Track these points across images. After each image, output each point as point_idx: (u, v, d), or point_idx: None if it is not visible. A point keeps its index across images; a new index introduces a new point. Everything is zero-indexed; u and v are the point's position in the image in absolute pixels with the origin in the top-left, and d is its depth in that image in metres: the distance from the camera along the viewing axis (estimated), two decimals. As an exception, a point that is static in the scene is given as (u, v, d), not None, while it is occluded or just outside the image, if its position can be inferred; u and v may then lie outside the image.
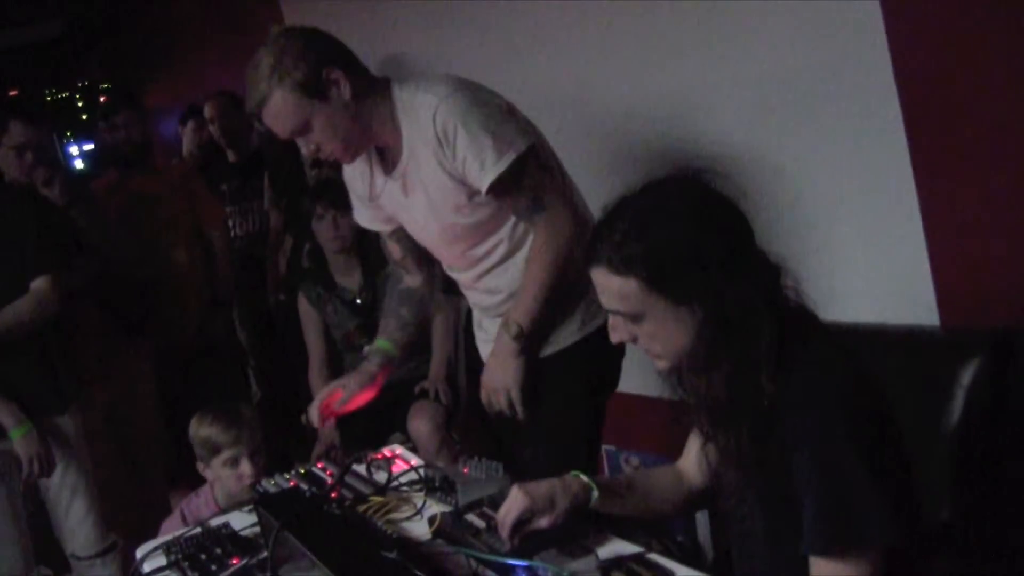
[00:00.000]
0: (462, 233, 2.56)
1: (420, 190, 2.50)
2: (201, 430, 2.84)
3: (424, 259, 2.81)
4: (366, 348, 2.88)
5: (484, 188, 2.39)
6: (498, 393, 2.59)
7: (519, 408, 2.58)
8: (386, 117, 2.45)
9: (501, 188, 2.39)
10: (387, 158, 2.54)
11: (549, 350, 2.61)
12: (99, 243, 4.05)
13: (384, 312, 2.93)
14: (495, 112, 2.41)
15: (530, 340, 2.55)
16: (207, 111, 5.40)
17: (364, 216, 2.79)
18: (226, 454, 2.78)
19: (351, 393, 2.79)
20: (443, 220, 2.53)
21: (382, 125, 2.46)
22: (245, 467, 2.77)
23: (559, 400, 2.60)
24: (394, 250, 2.82)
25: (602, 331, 2.48)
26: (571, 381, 2.59)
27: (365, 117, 2.43)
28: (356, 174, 2.67)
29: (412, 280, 2.86)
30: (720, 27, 2.96)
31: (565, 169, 2.64)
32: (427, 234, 2.63)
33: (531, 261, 2.51)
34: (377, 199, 2.65)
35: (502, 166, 2.36)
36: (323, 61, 2.35)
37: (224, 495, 2.80)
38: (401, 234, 2.75)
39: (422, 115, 2.39)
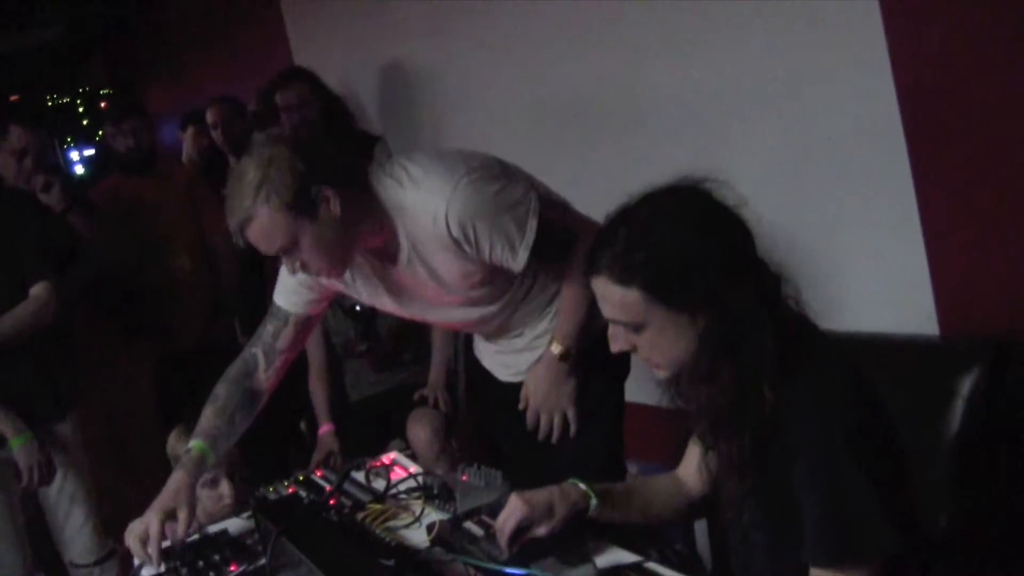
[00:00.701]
0: (480, 300, 2.52)
1: (427, 276, 2.42)
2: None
3: (287, 363, 2.70)
4: (185, 447, 2.53)
5: (520, 268, 2.36)
6: (554, 413, 2.56)
7: (573, 427, 2.57)
8: (376, 220, 2.34)
9: (536, 253, 2.35)
10: (383, 255, 2.43)
11: None
12: (98, 249, 4.05)
13: (214, 403, 2.57)
14: (497, 183, 2.34)
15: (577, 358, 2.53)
16: (209, 116, 5.38)
17: (292, 296, 2.60)
18: (206, 476, 2.72)
19: (184, 523, 2.34)
20: (460, 296, 2.49)
21: (372, 231, 2.34)
22: (225, 488, 2.69)
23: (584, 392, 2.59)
24: (285, 337, 2.63)
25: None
26: (592, 375, 2.59)
27: (355, 229, 2.31)
28: None
29: (264, 380, 2.65)
30: (718, 33, 2.96)
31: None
32: (437, 312, 2.59)
33: (573, 285, 2.46)
34: (348, 286, 2.57)
35: (531, 236, 2.32)
36: (313, 177, 2.20)
37: (203, 512, 2.75)
38: (300, 326, 2.63)
39: (423, 218, 2.29)
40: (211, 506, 2.71)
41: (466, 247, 2.30)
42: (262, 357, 2.62)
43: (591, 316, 2.43)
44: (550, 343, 2.53)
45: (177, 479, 2.39)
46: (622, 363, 2.65)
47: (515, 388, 2.64)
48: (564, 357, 2.51)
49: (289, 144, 2.26)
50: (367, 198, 2.33)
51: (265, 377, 2.63)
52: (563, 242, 2.40)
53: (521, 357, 2.64)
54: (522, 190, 2.36)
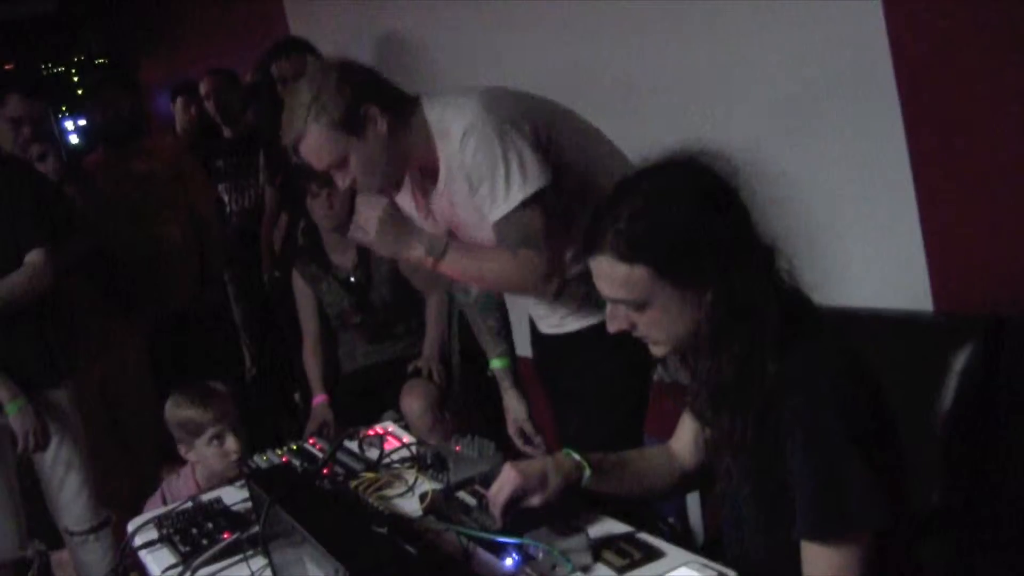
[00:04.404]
0: None
1: (461, 204, 2.47)
2: (180, 412, 2.82)
3: None
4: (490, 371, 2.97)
5: (492, 220, 2.37)
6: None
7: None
8: (422, 141, 2.41)
9: (503, 222, 2.36)
10: (426, 177, 2.50)
11: (589, 321, 2.60)
12: (93, 220, 4.05)
13: (478, 334, 3.00)
14: (520, 141, 2.35)
15: None
16: (202, 88, 5.38)
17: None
18: (210, 432, 2.76)
19: (531, 431, 2.90)
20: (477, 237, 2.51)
21: (418, 149, 2.42)
22: (231, 443, 2.75)
23: (601, 372, 2.59)
24: None
25: None
26: (610, 353, 2.58)
27: (402, 148, 2.39)
28: (403, 194, 2.62)
29: (470, 294, 2.87)
30: (721, 16, 2.95)
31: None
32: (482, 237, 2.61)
33: (492, 261, 2.43)
34: (429, 214, 2.60)
35: (512, 203, 2.33)
36: (360, 97, 2.33)
37: (206, 475, 2.78)
38: None
39: (453, 140, 2.36)
40: (217, 464, 2.74)
41: (472, 178, 2.35)
42: (454, 290, 2.91)
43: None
44: None
45: (507, 400, 2.96)
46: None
47: (553, 338, 2.71)
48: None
49: (339, 67, 2.40)
50: (415, 121, 2.42)
51: (469, 290, 2.90)
52: (523, 237, 2.37)
53: (556, 314, 2.67)
54: (539, 169, 2.35)
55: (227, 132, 5.36)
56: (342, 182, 2.40)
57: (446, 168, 2.43)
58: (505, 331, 2.97)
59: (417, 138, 2.41)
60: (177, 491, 2.79)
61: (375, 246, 2.48)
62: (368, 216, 2.40)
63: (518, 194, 2.33)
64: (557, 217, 2.42)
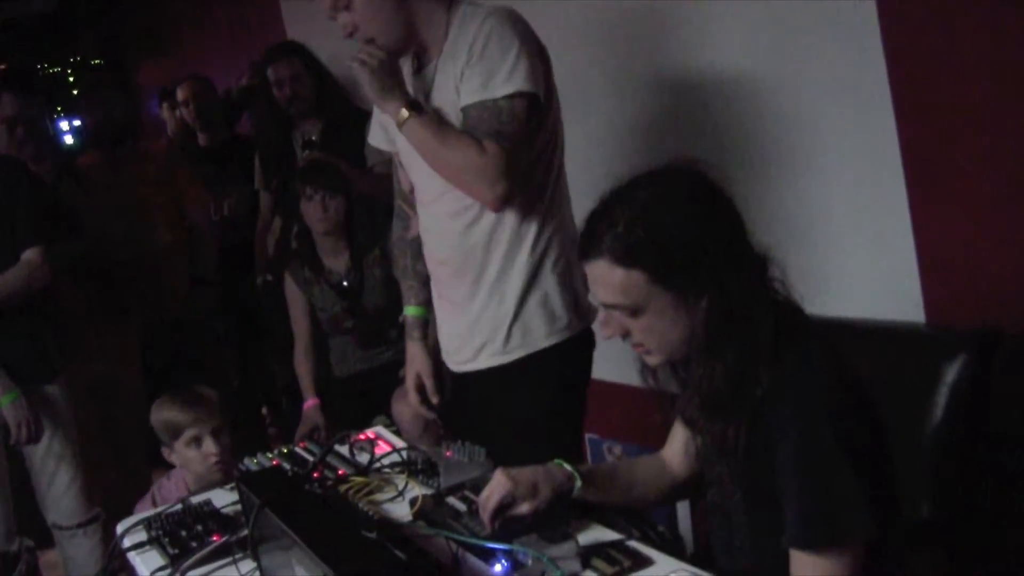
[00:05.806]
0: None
1: (438, 90, 2.46)
2: (161, 414, 2.84)
3: None
4: (402, 316, 2.84)
5: (474, 99, 2.35)
6: None
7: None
8: (434, 23, 2.43)
9: (486, 105, 2.34)
10: (415, 62, 2.52)
11: (523, 352, 2.57)
12: (87, 221, 4.04)
13: (402, 275, 2.84)
14: (537, 51, 2.39)
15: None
16: (180, 94, 5.33)
17: (379, 133, 2.71)
18: (188, 434, 2.77)
19: (431, 388, 2.75)
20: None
21: (427, 27, 2.44)
22: (209, 445, 2.76)
23: (532, 404, 2.57)
24: (403, 179, 2.72)
25: (579, 338, 2.49)
26: (543, 386, 2.57)
27: (411, 11, 2.41)
28: None
29: (409, 231, 2.76)
30: (711, 20, 2.96)
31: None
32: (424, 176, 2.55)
33: (457, 142, 2.35)
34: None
35: (506, 89, 2.32)
36: None
37: (194, 478, 2.79)
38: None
39: (472, 24, 2.37)
40: (198, 466, 2.75)
41: (471, 59, 2.34)
42: (406, 205, 2.79)
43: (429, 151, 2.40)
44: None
45: (412, 350, 2.78)
46: (582, 380, 2.65)
47: (465, 377, 2.67)
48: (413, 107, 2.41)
49: None
50: (440, 4, 2.44)
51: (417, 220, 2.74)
52: (495, 131, 2.33)
53: (469, 344, 2.62)
54: (538, 75, 2.36)
55: (203, 139, 5.30)
56: (344, 30, 2.42)
57: (440, 62, 2.43)
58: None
59: (432, 14, 2.43)
60: (168, 493, 2.79)
61: (365, 86, 2.42)
62: (373, 53, 2.36)
63: (514, 84, 2.33)
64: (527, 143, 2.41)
